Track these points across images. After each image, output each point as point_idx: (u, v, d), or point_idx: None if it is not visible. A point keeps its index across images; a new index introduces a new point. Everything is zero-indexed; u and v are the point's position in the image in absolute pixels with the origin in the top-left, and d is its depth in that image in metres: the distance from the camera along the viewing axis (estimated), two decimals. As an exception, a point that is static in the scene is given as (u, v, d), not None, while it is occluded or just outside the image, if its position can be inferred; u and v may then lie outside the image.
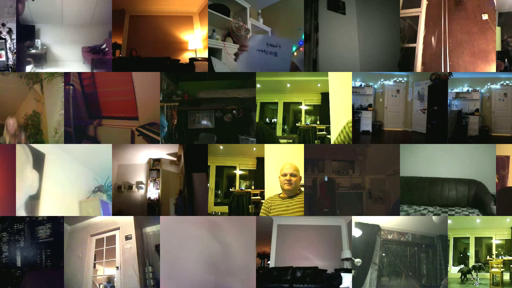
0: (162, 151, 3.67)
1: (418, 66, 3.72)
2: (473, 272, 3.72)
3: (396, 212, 3.49)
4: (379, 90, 4.06)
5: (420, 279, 3.56)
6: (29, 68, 3.72)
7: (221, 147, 3.68)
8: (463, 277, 3.70)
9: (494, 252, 3.79)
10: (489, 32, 3.62)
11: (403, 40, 3.74)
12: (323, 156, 3.64)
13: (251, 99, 3.71)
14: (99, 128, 3.73)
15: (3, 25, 3.85)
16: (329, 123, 3.74)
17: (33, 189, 3.55)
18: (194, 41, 3.96)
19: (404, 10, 3.74)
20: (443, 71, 3.68)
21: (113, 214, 3.55)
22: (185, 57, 3.85)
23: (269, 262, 3.71)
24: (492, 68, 3.60)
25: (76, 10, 3.74)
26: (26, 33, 3.73)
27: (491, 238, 3.78)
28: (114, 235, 3.72)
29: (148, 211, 3.93)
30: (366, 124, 3.79)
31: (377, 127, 4.04)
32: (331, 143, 3.54)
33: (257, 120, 3.79)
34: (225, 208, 4.09)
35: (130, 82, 3.65)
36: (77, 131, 3.64)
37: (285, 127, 4.52)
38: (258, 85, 3.67)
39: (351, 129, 3.40)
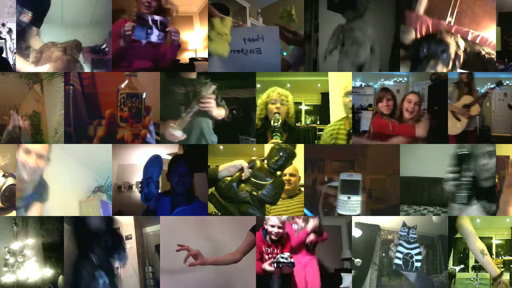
0: (162, 151, 3.66)
1: (421, 9, 3.69)
2: (472, 272, 3.72)
3: (396, 212, 3.49)
4: (379, 90, 4.05)
5: (420, 279, 3.55)
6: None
7: (221, 147, 3.68)
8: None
9: (494, 252, 3.79)
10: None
11: None
12: (323, 156, 3.64)
13: (251, 99, 3.71)
14: (99, 128, 3.72)
15: (3, 25, 3.86)
16: (329, 123, 3.74)
17: (33, 189, 3.56)
18: (194, 41, 3.96)
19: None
20: (448, 17, 3.66)
21: (113, 214, 3.55)
22: (185, 57, 3.85)
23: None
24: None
25: (76, 10, 3.74)
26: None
27: (491, 238, 3.78)
28: (114, 235, 3.72)
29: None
30: (366, 124, 3.79)
31: (377, 127, 4.04)
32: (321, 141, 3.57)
33: (257, 121, 3.78)
34: (225, 208, 4.08)
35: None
36: (77, 131, 3.64)
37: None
38: (258, 85, 3.66)
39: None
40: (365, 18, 3.57)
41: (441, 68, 3.64)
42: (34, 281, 3.48)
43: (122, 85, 2.79)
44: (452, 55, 3.64)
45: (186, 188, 3.40)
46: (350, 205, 3.28)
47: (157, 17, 3.52)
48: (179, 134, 3.36)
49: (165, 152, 3.76)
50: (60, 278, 3.59)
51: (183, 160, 3.45)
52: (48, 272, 3.56)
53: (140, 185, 3.43)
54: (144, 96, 2.74)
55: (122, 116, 2.73)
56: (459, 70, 3.67)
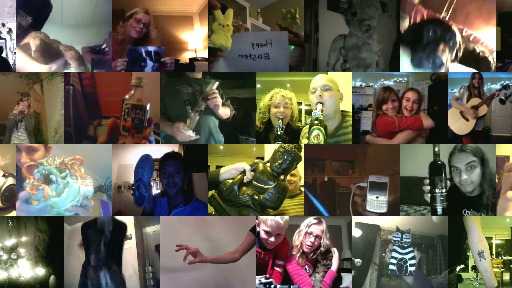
0: (163, 151, 3.66)
1: None
2: (472, 272, 3.71)
3: (396, 212, 3.49)
4: (379, 90, 4.04)
5: (420, 279, 3.55)
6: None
7: (221, 147, 3.68)
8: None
9: (494, 252, 3.78)
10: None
11: None
12: (323, 156, 3.64)
13: (251, 99, 3.71)
14: (99, 128, 3.73)
15: (3, 25, 3.86)
16: (329, 123, 3.73)
17: (33, 189, 3.55)
18: (194, 41, 3.95)
19: None
20: (444, 12, 3.64)
21: (113, 214, 3.55)
22: (185, 57, 3.85)
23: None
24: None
25: (76, 10, 3.74)
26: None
27: (491, 238, 3.78)
28: (114, 235, 3.72)
29: (148, 211, 3.91)
30: (366, 124, 3.79)
31: (377, 127, 4.03)
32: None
33: (257, 121, 3.78)
34: (225, 208, 4.08)
35: (130, 82, 3.64)
36: (77, 131, 3.65)
37: (285, 127, 4.50)
38: (258, 85, 3.66)
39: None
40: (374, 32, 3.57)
41: (447, 56, 3.60)
42: (26, 280, 3.47)
43: (127, 96, 2.84)
44: (457, 45, 3.63)
45: (178, 189, 3.37)
46: (379, 204, 3.34)
47: (151, 48, 3.49)
48: (191, 134, 3.36)
49: (166, 151, 3.76)
50: (52, 278, 3.59)
51: (172, 159, 3.42)
52: (40, 271, 3.54)
53: (132, 188, 3.40)
54: (148, 108, 2.79)
55: (125, 125, 2.79)
56: (461, 67, 3.66)
